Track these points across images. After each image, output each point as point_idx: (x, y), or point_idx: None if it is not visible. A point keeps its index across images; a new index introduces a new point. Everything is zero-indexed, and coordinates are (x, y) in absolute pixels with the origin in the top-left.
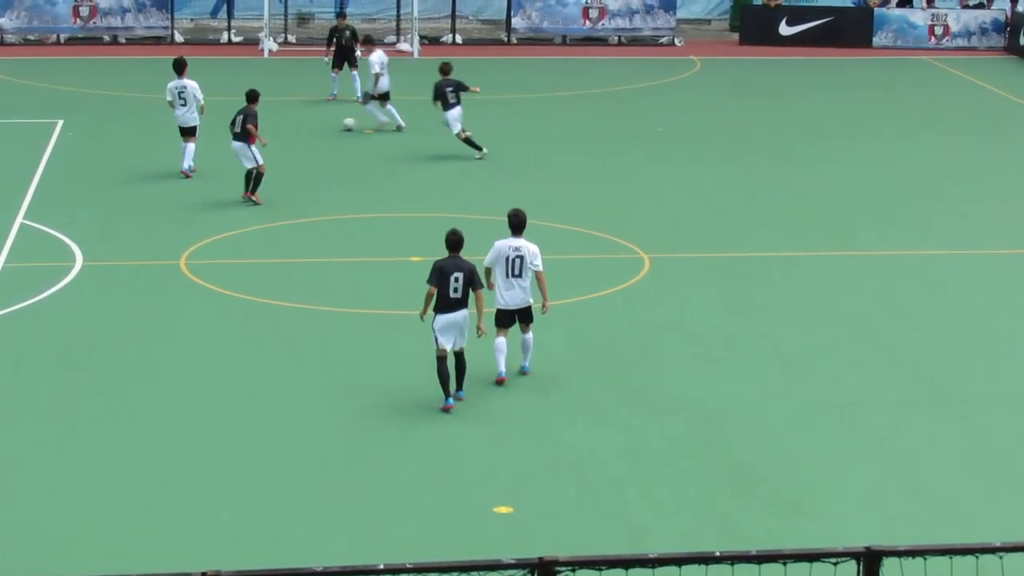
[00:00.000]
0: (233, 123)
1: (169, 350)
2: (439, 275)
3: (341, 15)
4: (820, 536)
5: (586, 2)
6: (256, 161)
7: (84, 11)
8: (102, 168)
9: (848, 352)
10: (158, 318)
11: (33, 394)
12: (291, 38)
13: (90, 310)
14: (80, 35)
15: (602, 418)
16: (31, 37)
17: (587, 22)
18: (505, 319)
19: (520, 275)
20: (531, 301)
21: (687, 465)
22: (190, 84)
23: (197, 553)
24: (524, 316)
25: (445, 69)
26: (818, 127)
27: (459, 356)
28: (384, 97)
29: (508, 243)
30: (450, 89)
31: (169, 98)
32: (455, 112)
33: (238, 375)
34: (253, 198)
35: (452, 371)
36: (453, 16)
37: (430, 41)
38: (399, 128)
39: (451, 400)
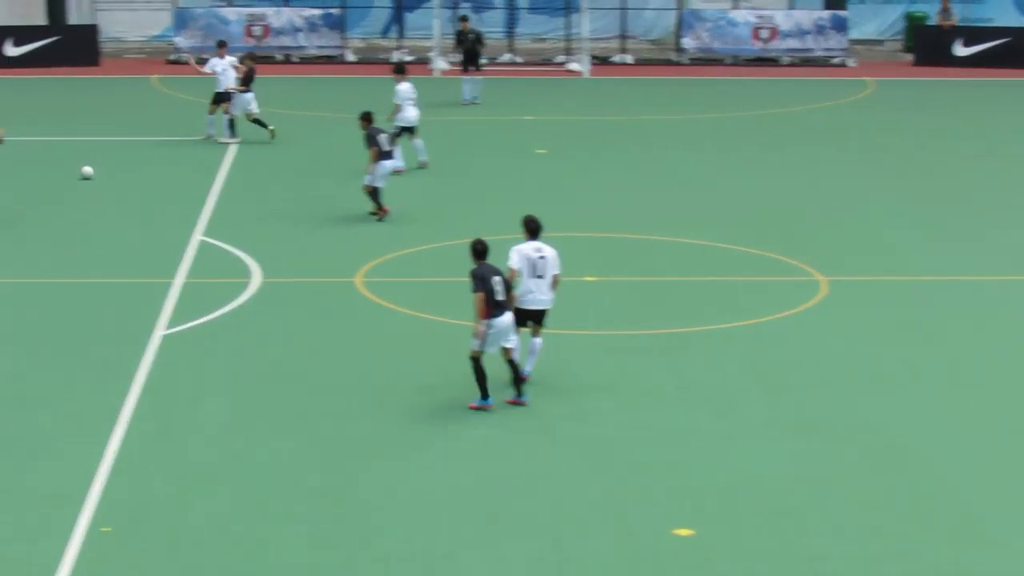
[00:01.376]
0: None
1: (345, 367)
2: (483, 282)
3: (463, 19)
4: (1006, 566)
5: (757, 22)
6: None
7: (257, 30)
8: (277, 185)
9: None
10: (334, 335)
11: (211, 410)
12: (484, 61)
13: (267, 327)
14: (254, 54)
15: (780, 442)
16: (205, 56)
17: (758, 42)
18: (522, 319)
19: (543, 276)
20: (550, 304)
21: (867, 492)
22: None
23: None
24: (540, 319)
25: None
26: (1000, 150)
27: (513, 362)
28: (408, 131)
29: (530, 246)
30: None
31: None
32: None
33: (414, 393)
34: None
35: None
36: (623, 36)
37: (600, 61)
38: (422, 165)
39: (491, 400)
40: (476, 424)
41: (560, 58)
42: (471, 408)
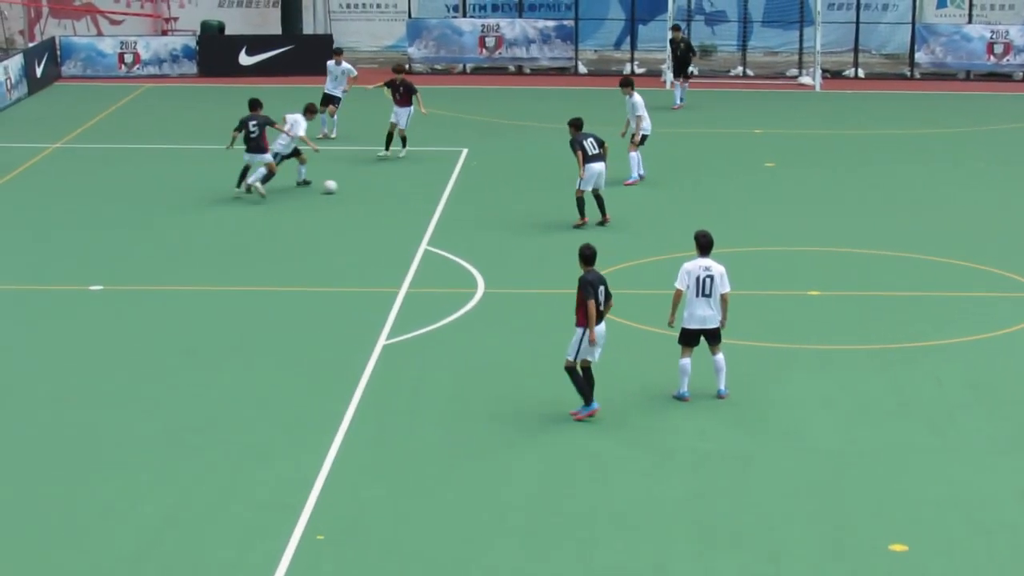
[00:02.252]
0: None
1: (564, 380)
2: (592, 288)
3: (675, 27)
4: None
5: (991, 37)
6: None
7: (490, 42)
8: (503, 197)
9: None
10: (555, 347)
11: (431, 420)
12: (693, 70)
13: (491, 337)
14: (486, 65)
15: (999, 458)
16: (438, 67)
17: (992, 57)
18: (692, 339)
19: (710, 295)
20: (716, 323)
21: None
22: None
23: None
24: (713, 337)
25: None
26: None
27: (588, 370)
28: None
29: (698, 263)
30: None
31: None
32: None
33: (634, 407)
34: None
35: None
36: (856, 50)
37: (832, 75)
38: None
39: (596, 404)
40: (688, 437)
41: (792, 71)
42: (576, 418)
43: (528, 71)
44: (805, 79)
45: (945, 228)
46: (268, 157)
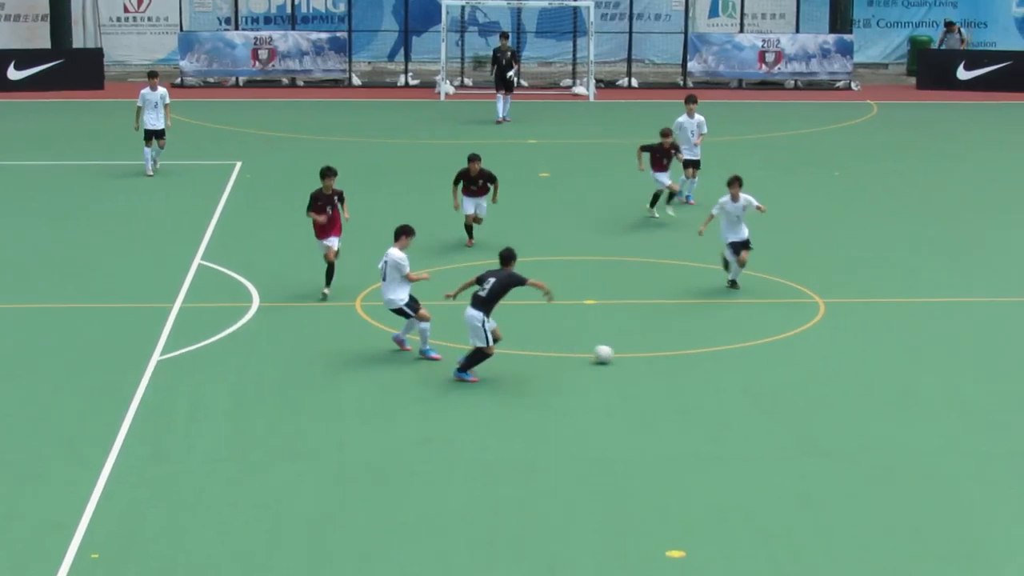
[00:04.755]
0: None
1: (345, 392)
2: (480, 278)
3: (503, 35)
4: None
5: (762, 46)
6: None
7: (263, 54)
8: (279, 209)
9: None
10: (334, 360)
11: (207, 435)
12: (467, 81)
13: (266, 351)
14: (259, 78)
15: (776, 464)
16: (210, 80)
17: (763, 66)
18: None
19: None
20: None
21: (862, 514)
22: None
23: None
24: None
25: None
26: (1002, 173)
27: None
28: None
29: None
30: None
31: None
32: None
33: (411, 418)
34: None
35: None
36: (629, 60)
37: (606, 85)
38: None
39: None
40: (470, 448)
41: (566, 81)
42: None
43: (301, 83)
44: (579, 89)
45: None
46: None
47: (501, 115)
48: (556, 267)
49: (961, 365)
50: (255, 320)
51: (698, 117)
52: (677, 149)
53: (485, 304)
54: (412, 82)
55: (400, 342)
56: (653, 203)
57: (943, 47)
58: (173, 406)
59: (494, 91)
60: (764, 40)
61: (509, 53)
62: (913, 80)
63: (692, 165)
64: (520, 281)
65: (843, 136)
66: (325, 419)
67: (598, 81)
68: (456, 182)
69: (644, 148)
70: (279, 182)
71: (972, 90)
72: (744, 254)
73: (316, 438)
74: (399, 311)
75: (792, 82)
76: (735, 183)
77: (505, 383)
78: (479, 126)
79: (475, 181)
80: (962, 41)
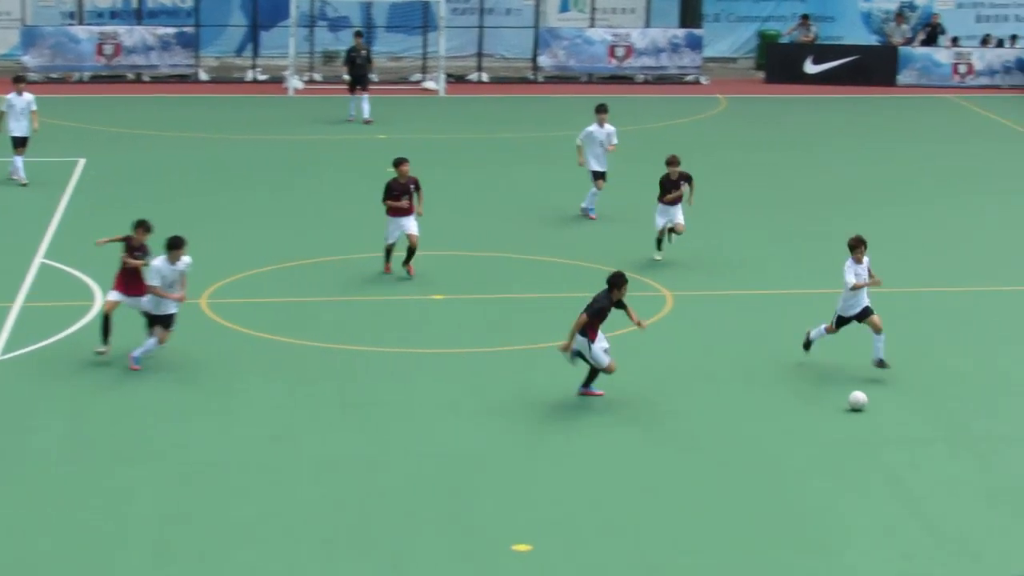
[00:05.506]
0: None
1: (191, 390)
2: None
3: (357, 34)
4: (839, 572)
5: (613, 40)
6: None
7: (108, 49)
8: (123, 207)
9: (870, 390)
10: (178, 358)
11: (49, 434)
12: (317, 76)
13: (111, 348)
14: (104, 73)
15: (624, 455)
16: (54, 75)
17: (613, 60)
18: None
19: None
20: None
21: (708, 503)
22: None
23: None
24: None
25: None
26: (843, 167)
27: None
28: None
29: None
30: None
31: None
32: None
33: (259, 415)
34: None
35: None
36: (480, 54)
37: (456, 79)
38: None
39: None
40: (314, 445)
41: (416, 76)
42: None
43: (148, 79)
44: (429, 84)
45: (569, 230)
46: None
47: (363, 115)
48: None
49: (803, 356)
50: (98, 318)
51: (608, 127)
52: (689, 180)
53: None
54: (260, 77)
55: None
56: (658, 245)
57: (791, 40)
58: (15, 406)
59: (346, 88)
60: (614, 35)
61: (364, 52)
62: (762, 74)
63: (600, 176)
64: (589, 306)
65: (692, 130)
66: (169, 418)
67: (448, 76)
68: (385, 198)
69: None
70: (124, 179)
71: (820, 83)
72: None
73: (160, 438)
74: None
75: (642, 76)
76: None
77: (350, 379)
78: (328, 122)
79: (405, 189)
80: (809, 36)
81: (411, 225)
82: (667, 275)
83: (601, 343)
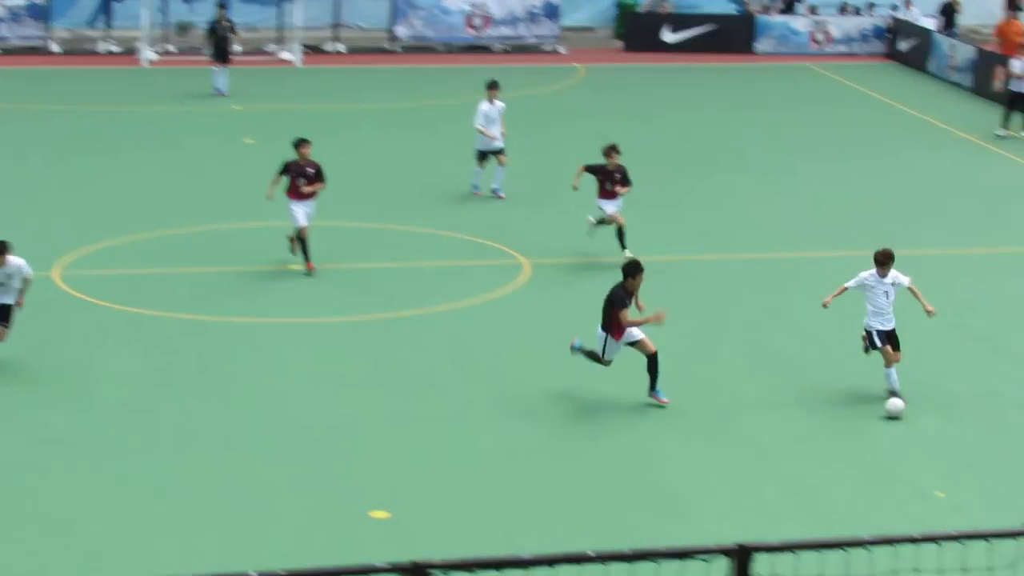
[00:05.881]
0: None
1: (45, 363)
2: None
3: (221, 6)
4: (695, 534)
5: (470, 10)
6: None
7: None
8: None
9: (723, 355)
10: (31, 331)
11: None
12: (171, 47)
13: None
14: None
15: (480, 423)
16: None
17: (471, 30)
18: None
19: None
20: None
21: (564, 467)
22: None
23: None
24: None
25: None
26: (704, 135)
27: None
28: None
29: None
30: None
31: None
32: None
33: (114, 387)
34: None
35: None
36: (336, 24)
37: (313, 50)
38: None
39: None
40: (170, 416)
41: (271, 47)
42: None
43: None
44: (285, 54)
45: (427, 199)
46: None
47: (221, 90)
48: (265, 233)
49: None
50: None
51: (499, 103)
52: (624, 176)
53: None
54: (114, 49)
55: None
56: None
57: (648, 10)
58: None
59: (207, 60)
60: (472, 4)
61: (227, 24)
62: (620, 44)
63: (500, 152)
64: (611, 302)
65: (550, 99)
66: (21, 391)
67: (305, 47)
68: (280, 175)
69: (588, 169)
70: None
71: (678, 52)
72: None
73: (11, 410)
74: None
75: (500, 46)
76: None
77: (206, 350)
78: (183, 94)
79: (303, 172)
80: (666, 6)
81: (308, 213)
82: (523, 242)
83: (630, 337)
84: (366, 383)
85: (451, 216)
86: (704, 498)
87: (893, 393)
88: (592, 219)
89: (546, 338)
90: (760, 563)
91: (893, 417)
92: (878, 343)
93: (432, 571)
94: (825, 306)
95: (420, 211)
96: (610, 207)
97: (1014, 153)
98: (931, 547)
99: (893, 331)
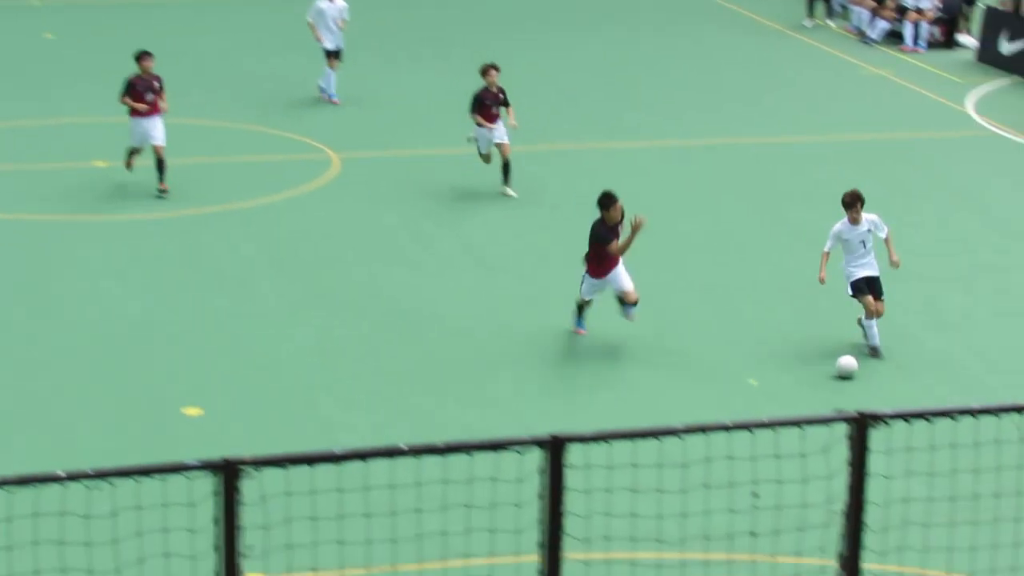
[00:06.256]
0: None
1: None
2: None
3: None
4: (510, 426)
5: None
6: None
7: None
8: None
9: (538, 248)
10: None
11: None
12: None
13: None
14: None
15: (292, 318)
16: None
17: None
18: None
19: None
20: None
21: (380, 362)
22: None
23: None
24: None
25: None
26: (499, 18)
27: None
28: None
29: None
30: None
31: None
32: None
33: None
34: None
35: None
36: None
37: None
38: None
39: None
40: None
41: None
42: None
43: None
44: None
45: (229, 94)
46: None
47: None
48: (68, 129)
49: (472, 215)
50: None
51: (340, 1)
52: (504, 96)
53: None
54: None
55: None
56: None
57: None
58: None
59: None
60: None
61: None
62: None
63: (335, 55)
64: (592, 239)
65: None
66: None
67: None
68: (125, 94)
69: (476, 101)
70: None
71: None
72: None
73: None
74: None
75: None
76: None
77: (16, 249)
78: None
79: (149, 86)
80: None
81: (157, 131)
82: (332, 136)
83: (616, 283)
84: (177, 280)
85: (263, 112)
86: (515, 389)
87: (873, 350)
88: (472, 135)
89: (356, 232)
90: (574, 453)
91: (845, 377)
92: (852, 292)
93: (244, 468)
94: (822, 281)
95: (234, 105)
96: (496, 133)
97: (820, 42)
98: (744, 435)
99: (876, 279)
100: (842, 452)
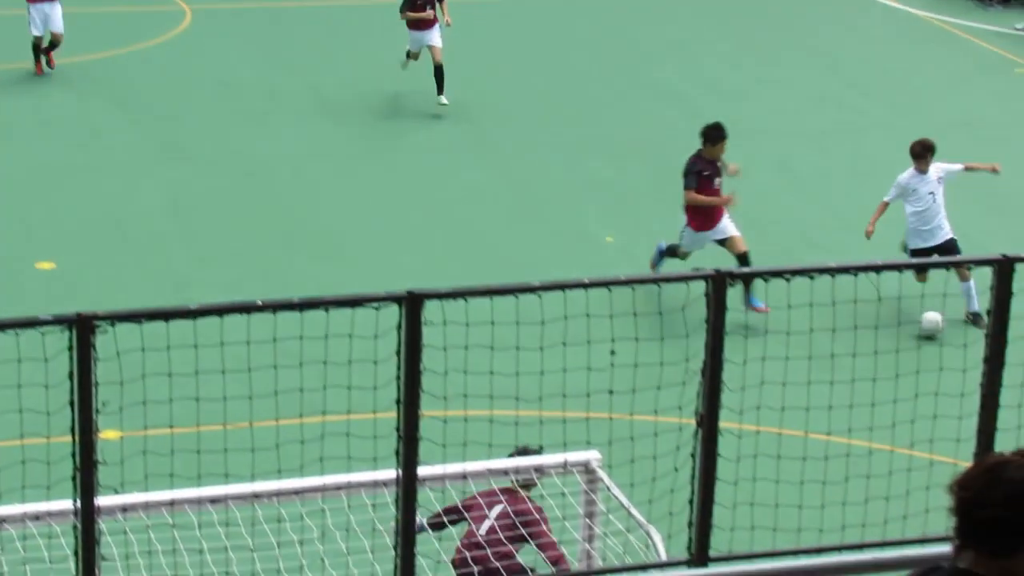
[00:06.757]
0: None
1: None
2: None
3: None
4: (364, 282)
5: None
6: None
7: None
8: None
9: (386, 97)
10: None
11: None
12: None
13: None
14: None
15: (144, 173)
16: None
17: None
18: None
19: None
20: None
21: (232, 218)
22: None
23: None
24: None
25: None
26: None
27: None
28: None
29: None
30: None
31: None
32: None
33: None
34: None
35: None
36: None
37: None
38: None
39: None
40: None
41: None
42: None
43: None
44: None
45: None
46: None
47: None
48: None
49: (324, 71)
50: None
51: None
52: None
53: None
54: None
55: None
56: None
57: None
58: None
59: None
60: None
61: None
62: None
63: None
64: (684, 177)
65: None
66: None
67: None
68: None
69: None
70: None
71: None
72: None
73: None
74: None
75: None
76: None
77: None
78: None
79: None
80: None
81: (55, 18)
82: None
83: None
84: (26, 134)
85: None
86: (375, 245)
87: (975, 315)
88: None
89: (207, 85)
90: (431, 310)
91: (929, 336)
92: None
93: (98, 323)
94: (869, 235)
95: None
96: (429, 36)
97: None
98: (602, 292)
99: (950, 241)
100: (700, 310)
